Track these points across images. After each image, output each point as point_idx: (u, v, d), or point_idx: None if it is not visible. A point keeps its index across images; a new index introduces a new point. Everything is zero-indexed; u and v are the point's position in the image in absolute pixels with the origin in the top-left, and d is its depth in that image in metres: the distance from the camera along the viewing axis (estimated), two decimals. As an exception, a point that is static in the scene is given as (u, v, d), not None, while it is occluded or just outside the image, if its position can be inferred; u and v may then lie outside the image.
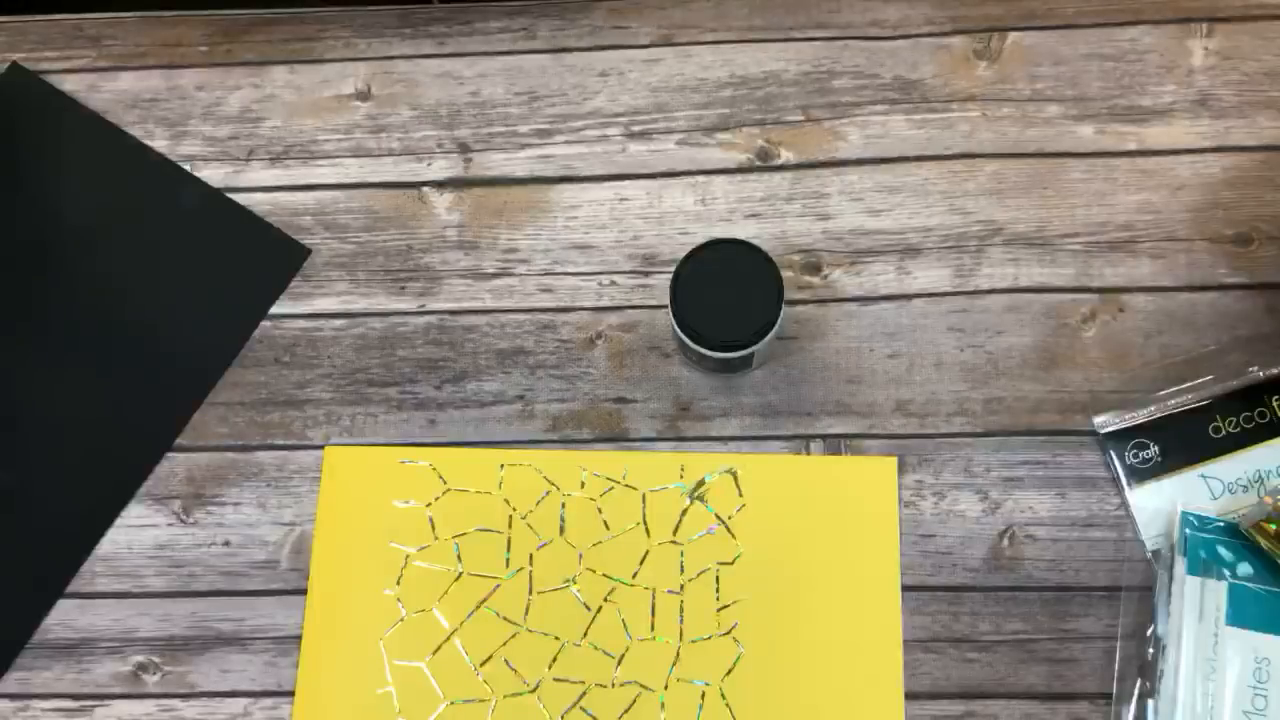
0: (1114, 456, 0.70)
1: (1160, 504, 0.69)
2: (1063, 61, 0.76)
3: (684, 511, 0.71)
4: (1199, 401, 0.70)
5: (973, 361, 0.72)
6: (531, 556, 0.70)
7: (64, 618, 0.71)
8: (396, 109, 0.77)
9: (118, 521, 0.72)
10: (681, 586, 0.70)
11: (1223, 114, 0.75)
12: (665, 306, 0.73)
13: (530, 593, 0.70)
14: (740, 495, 0.71)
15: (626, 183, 0.76)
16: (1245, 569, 0.66)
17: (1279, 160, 0.74)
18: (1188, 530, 0.67)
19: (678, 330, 0.66)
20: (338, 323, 0.74)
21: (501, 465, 0.71)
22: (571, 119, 0.77)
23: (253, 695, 0.69)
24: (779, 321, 0.66)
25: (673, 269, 0.67)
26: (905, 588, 0.69)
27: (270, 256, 0.75)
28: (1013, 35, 0.76)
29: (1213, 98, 0.75)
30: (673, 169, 0.76)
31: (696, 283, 0.66)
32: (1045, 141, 0.75)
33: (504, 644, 0.69)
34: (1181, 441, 0.69)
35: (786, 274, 0.73)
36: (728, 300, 0.66)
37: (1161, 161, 0.74)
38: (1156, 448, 0.69)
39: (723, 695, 0.68)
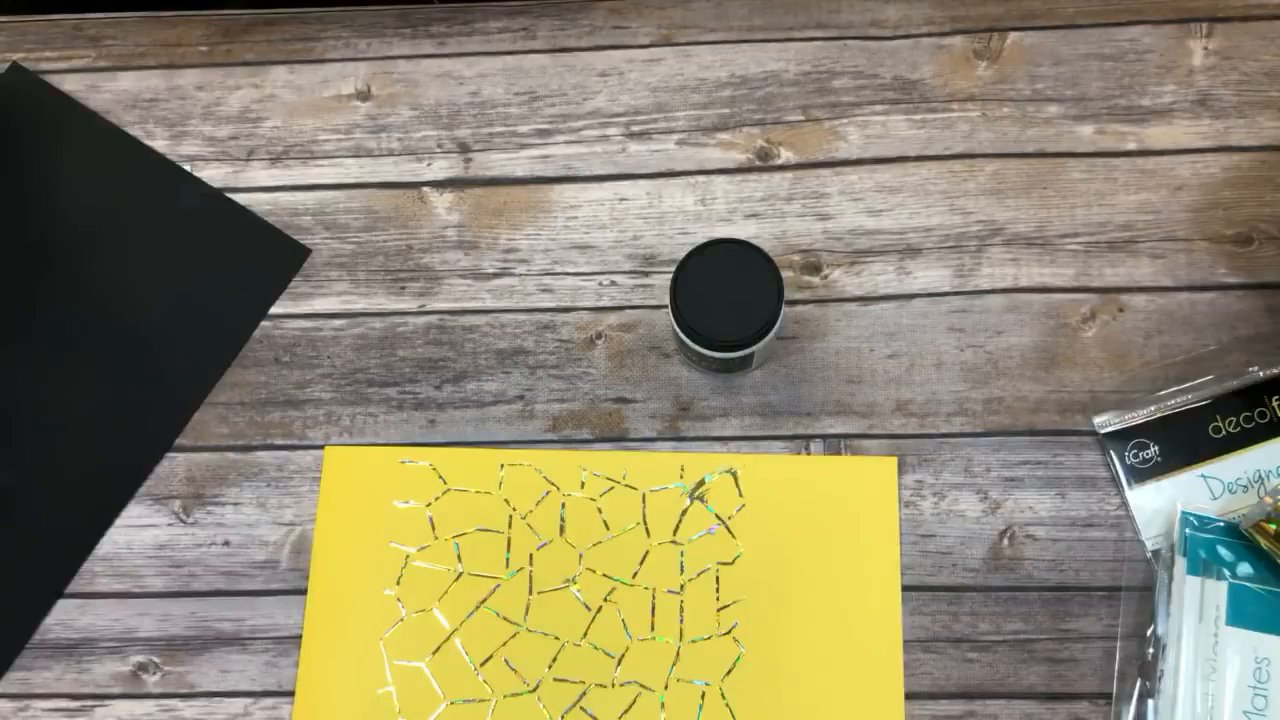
0: (1114, 456, 0.70)
1: (1160, 504, 0.69)
2: (1063, 61, 0.76)
3: (684, 511, 0.71)
4: (1199, 401, 0.70)
5: (973, 361, 0.72)
6: (531, 556, 0.70)
7: (64, 618, 0.71)
8: (396, 109, 0.77)
9: (118, 521, 0.72)
10: (681, 586, 0.70)
11: (1223, 114, 0.75)
12: (665, 306, 0.73)
13: (530, 593, 0.70)
14: (740, 495, 0.71)
15: (626, 183, 0.76)
16: (1245, 569, 0.66)
17: (1279, 160, 0.74)
18: (1188, 530, 0.67)
19: (678, 330, 0.66)
20: (338, 323, 0.74)
21: (501, 465, 0.71)
22: (571, 119, 0.77)
23: (253, 695, 0.69)
24: (779, 321, 0.66)
25: (673, 269, 0.67)
26: (905, 588, 0.69)
27: (270, 256, 0.75)
28: (1013, 35, 0.76)
29: (1213, 98, 0.75)
30: (673, 169, 0.76)
31: (696, 283, 0.66)
32: (1045, 141, 0.75)
33: (504, 644, 0.69)
34: (1181, 441, 0.69)
35: (786, 274, 0.73)
36: (728, 300, 0.66)
37: (1161, 161, 0.74)
38: (1156, 448, 0.69)
39: (723, 695, 0.68)
